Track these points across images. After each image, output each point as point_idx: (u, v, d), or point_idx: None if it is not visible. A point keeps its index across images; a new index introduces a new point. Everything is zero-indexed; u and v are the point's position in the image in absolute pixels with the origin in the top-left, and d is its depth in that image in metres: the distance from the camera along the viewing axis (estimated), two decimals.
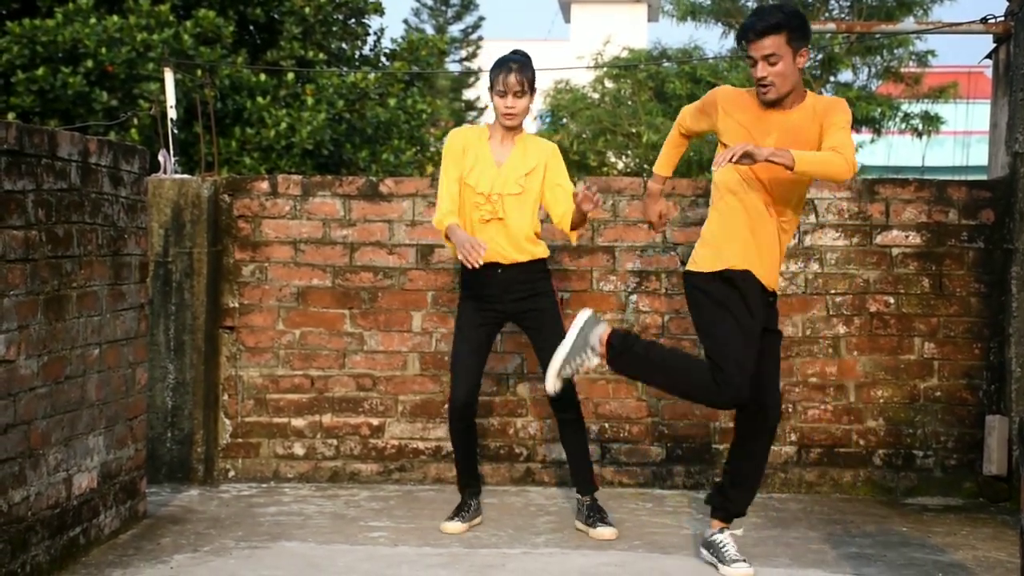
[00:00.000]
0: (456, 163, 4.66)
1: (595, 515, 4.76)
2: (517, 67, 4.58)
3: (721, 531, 4.34)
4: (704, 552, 4.36)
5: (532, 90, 4.62)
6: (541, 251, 4.72)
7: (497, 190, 4.62)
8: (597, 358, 4.30)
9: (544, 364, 4.63)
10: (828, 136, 4.02)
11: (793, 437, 5.64)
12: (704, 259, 4.19)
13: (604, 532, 4.69)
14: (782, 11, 4.02)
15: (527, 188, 4.65)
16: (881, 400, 5.63)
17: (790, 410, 5.64)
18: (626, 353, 4.27)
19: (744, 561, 4.23)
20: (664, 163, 4.51)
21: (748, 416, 4.25)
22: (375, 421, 5.75)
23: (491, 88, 4.64)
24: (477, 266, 4.43)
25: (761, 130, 4.08)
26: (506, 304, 4.69)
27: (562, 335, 4.52)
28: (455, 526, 4.77)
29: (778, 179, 4.07)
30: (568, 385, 4.59)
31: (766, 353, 4.21)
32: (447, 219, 4.60)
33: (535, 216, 4.70)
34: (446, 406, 5.67)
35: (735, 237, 4.14)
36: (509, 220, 4.62)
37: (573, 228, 4.67)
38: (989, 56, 6.07)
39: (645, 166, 19.26)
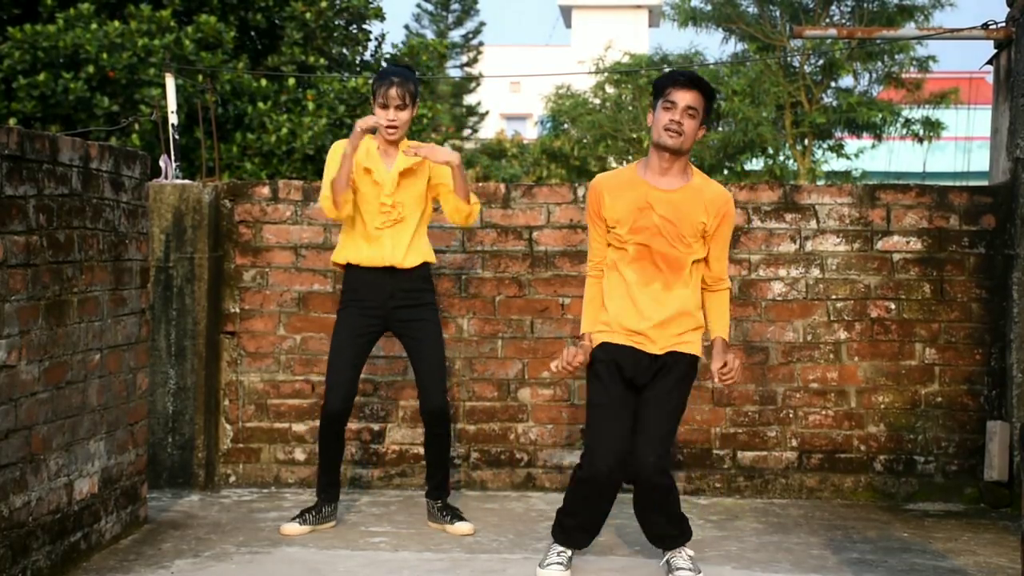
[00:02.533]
0: (346, 157, 4.65)
1: (449, 513, 4.91)
2: (399, 80, 4.65)
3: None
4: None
5: (414, 104, 4.71)
6: (431, 254, 4.84)
7: (398, 194, 4.71)
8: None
9: (422, 376, 4.77)
10: (713, 247, 4.18)
11: (794, 442, 5.64)
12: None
13: (462, 527, 4.85)
14: (709, 84, 4.18)
15: (417, 191, 4.75)
16: (882, 405, 5.63)
17: (791, 415, 5.64)
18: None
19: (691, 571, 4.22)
20: (594, 320, 4.25)
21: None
22: (376, 426, 5.75)
23: (373, 99, 4.72)
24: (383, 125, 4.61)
25: (646, 207, 4.13)
26: (388, 311, 4.76)
27: (440, 347, 4.76)
28: (295, 528, 4.81)
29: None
30: (445, 406, 4.80)
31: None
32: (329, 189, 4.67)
33: (425, 221, 4.82)
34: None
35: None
36: (408, 221, 4.73)
37: (458, 209, 4.75)
38: (990, 62, 6.07)
39: None
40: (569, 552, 4.28)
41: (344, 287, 4.84)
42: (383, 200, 4.70)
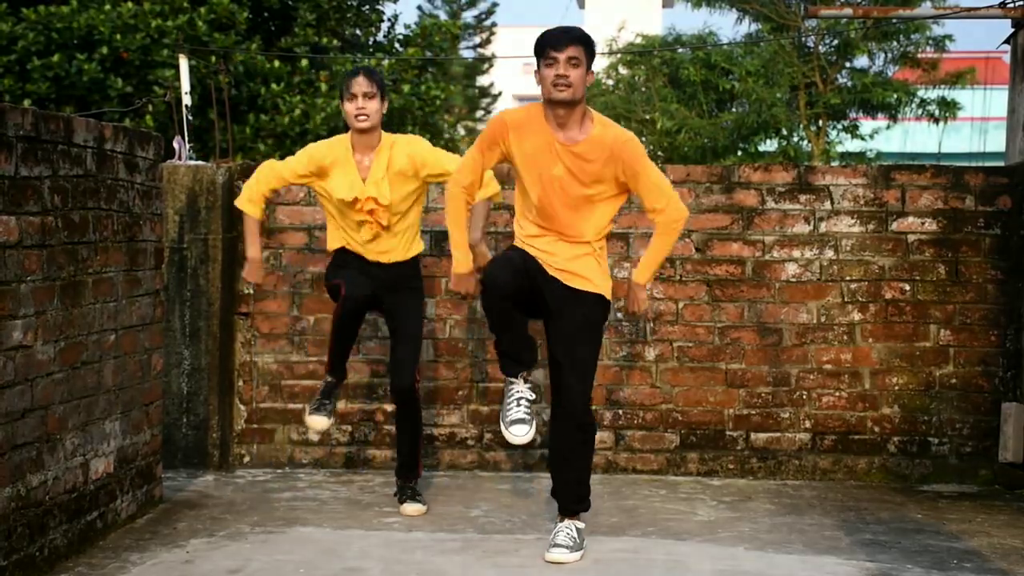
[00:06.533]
0: (315, 167, 4.76)
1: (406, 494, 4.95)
2: (365, 71, 4.77)
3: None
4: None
5: (383, 96, 4.76)
6: (420, 246, 4.94)
7: (373, 203, 4.71)
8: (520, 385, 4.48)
9: (395, 355, 4.85)
10: (641, 190, 4.20)
11: (807, 424, 5.64)
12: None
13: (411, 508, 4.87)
14: (584, 32, 4.20)
15: (403, 193, 4.75)
16: (896, 387, 5.62)
17: (804, 397, 5.64)
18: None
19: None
20: (461, 239, 4.34)
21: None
22: (389, 407, 5.76)
23: (342, 100, 4.78)
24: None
25: (549, 160, 4.16)
26: (374, 287, 4.80)
27: (418, 331, 4.87)
28: (323, 421, 4.92)
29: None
30: (411, 385, 4.84)
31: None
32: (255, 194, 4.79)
33: (416, 215, 4.86)
34: (460, 392, 5.71)
35: None
36: (395, 228, 4.78)
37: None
38: (1007, 41, 6.03)
39: (659, 152, 19.18)
40: (527, 397, 4.47)
41: (333, 263, 4.88)
42: (360, 207, 4.70)
